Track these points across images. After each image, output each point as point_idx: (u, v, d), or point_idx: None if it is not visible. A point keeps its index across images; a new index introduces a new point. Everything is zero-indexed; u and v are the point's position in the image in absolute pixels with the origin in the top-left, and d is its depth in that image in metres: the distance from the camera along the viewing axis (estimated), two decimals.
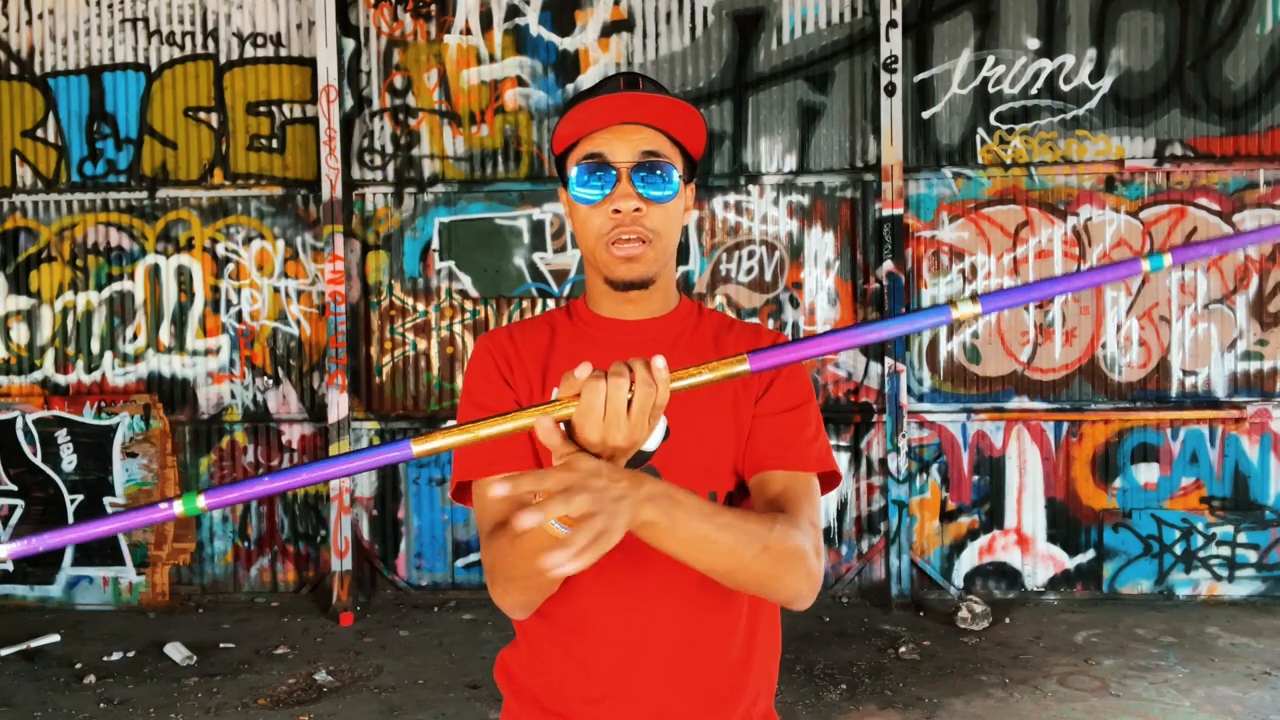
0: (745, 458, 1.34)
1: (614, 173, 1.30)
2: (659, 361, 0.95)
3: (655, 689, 1.30)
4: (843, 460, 5.91)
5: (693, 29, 5.90)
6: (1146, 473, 5.74)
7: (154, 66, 6.09)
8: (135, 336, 6.12)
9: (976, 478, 5.85)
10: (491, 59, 5.98)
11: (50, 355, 6.15)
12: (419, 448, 0.90)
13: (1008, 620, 5.37)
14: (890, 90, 5.64)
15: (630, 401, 0.93)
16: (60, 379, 6.14)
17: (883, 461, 5.81)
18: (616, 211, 1.30)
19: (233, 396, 6.09)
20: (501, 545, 1.17)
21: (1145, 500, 5.74)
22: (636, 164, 1.30)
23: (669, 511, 1.02)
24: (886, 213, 5.68)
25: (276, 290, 6.08)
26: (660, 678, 1.30)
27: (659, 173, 1.31)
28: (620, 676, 1.30)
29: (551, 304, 5.99)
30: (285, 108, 6.05)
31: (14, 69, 6.11)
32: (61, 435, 6.09)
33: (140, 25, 6.08)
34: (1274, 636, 5.04)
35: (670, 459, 1.28)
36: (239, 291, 6.10)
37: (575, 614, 1.31)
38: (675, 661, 1.30)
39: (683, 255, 5.95)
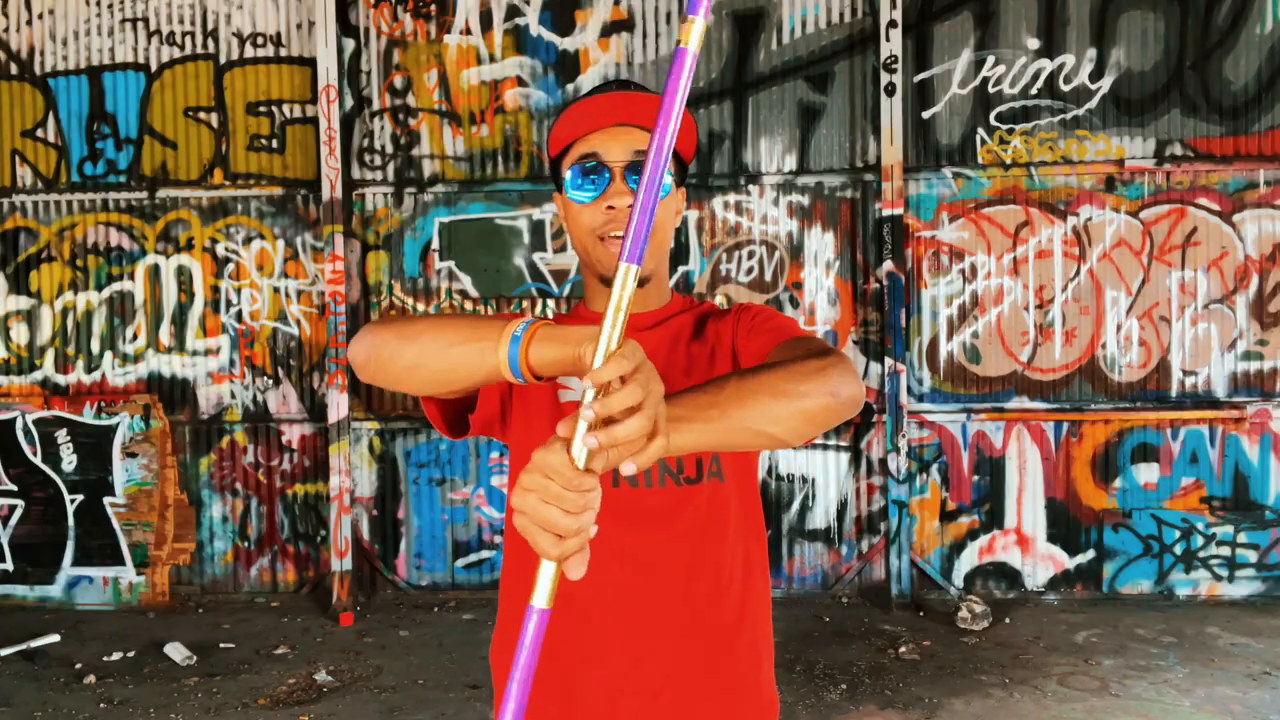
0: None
1: (607, 172, 1.33)
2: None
3: (648, 656, 1.31)
4: (843, 460, 5.91)
5: None
6: (1146, 473, 5.74)
7: (154, 66, 6.09)
8: (135, 336, 6.12)
9: (976, 478, 5.85)
10: (491, 59, 5.98)
11: (50, 355, 6.15)
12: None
13: (1008, 620, 5.37)
14: (890, 90, 5.64)
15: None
16: (60, 379, 6.14)
17: (883, 461, 5.81)
18: (610, 208, 1.33)
19: (233, 396, 6.09)
20: (441, 328, 1.12)
21: (1145, 500, 5.74)
22: (629, 163, 1.33)
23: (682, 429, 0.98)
24: (886, 213, 5.68)
25: (276, 290, 6.08)
26: (653, 644, 1.31)
27: None
28: (611, 644, 1.32)
29: (551, 304, 5.99)
30: (285, 108, 6.05)
31: (14, 69, 6.11)
32: (61, 435, 6.09)
33: (140, 25, 6.08)
34: (1274, 636, 5.04)
35: None
36: (239, 291, 6.10)
37: (563, 590, 1.32)
38: (669, 633, 1.32)
39: (683, 255, 5.95)
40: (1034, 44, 5.75)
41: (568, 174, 1.36)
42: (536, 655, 0.90)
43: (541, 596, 0.91)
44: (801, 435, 1.11)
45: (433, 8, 5.98)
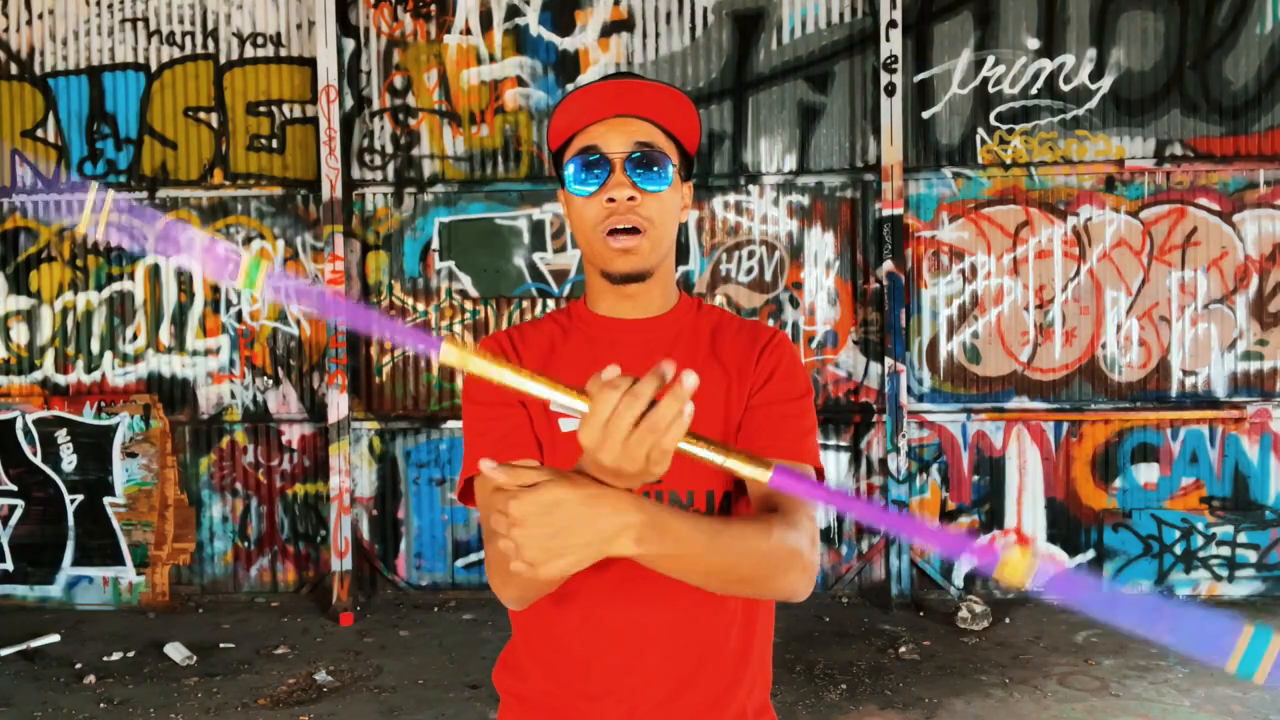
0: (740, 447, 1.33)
1: (608, 164, 1.29)
2: (688, 409, 0.88)
3: (654, 684, 1.30)
4: (842, 460, 5.91)
5: (693, 29, 5.90)
6: (1146, 473, 5.74)
7: (154, 66, 6.09)
8: (135, 336, 6.12)
9: (976, 478, 5.85)
10: (491, 59, 5.99)
11: (50, 355, 6.15)
12: (448, 351, 0.89)
13: (1008, 620, 5.37)
14: (890, 90, 5.64)
15: (637, 425, 0.88)
16: (60, 379, 6.14)
17: (883, 461, 5.81)
18: (611, 200, 1.28)
19: (233, 396, 6.09)
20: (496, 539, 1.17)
21: (1145, 500, 5.74)
22: (630, 154, 1.29)
23: (656, 541, 0.99)
24: (886, 213, 5.68)
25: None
26: (659, 672, 1.30)
27: (653, 165, 1.29)
28: (619, 673, 1.30)
29: (551, 304, 5.99)
30: (285, 108, 6.05)
31: (14, 69, 6.11)
32: (61, 435, 6.09)
33: (140, 25, 6.08)
34: None
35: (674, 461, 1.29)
36: (239, 291, 6.10)
37: (574, 614, 1.31)
38: (674, 657, 1.31)
39: (683, 255, 5.95)
40: (1034, 44, 5.75)
41: (569, 168, 1.32)
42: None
43: None
44: (729, 594, 1.23)
45: (433, 8, 5.98)
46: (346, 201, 5.94)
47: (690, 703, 1.31)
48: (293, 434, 6.08)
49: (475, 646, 5.13)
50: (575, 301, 1.47)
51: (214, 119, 6.09)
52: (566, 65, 5.95)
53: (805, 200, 5.91)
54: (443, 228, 6.03)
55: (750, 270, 5.94)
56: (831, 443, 5.89)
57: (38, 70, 6.10)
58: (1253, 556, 5.71)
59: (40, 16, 6.08)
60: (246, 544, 6.11)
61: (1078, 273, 5.78)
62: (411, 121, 6.04)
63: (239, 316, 6.09)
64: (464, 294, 6.04)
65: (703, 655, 1.32)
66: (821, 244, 5.91)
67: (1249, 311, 5.71)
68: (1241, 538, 5.70)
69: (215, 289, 6.11)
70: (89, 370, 6.14)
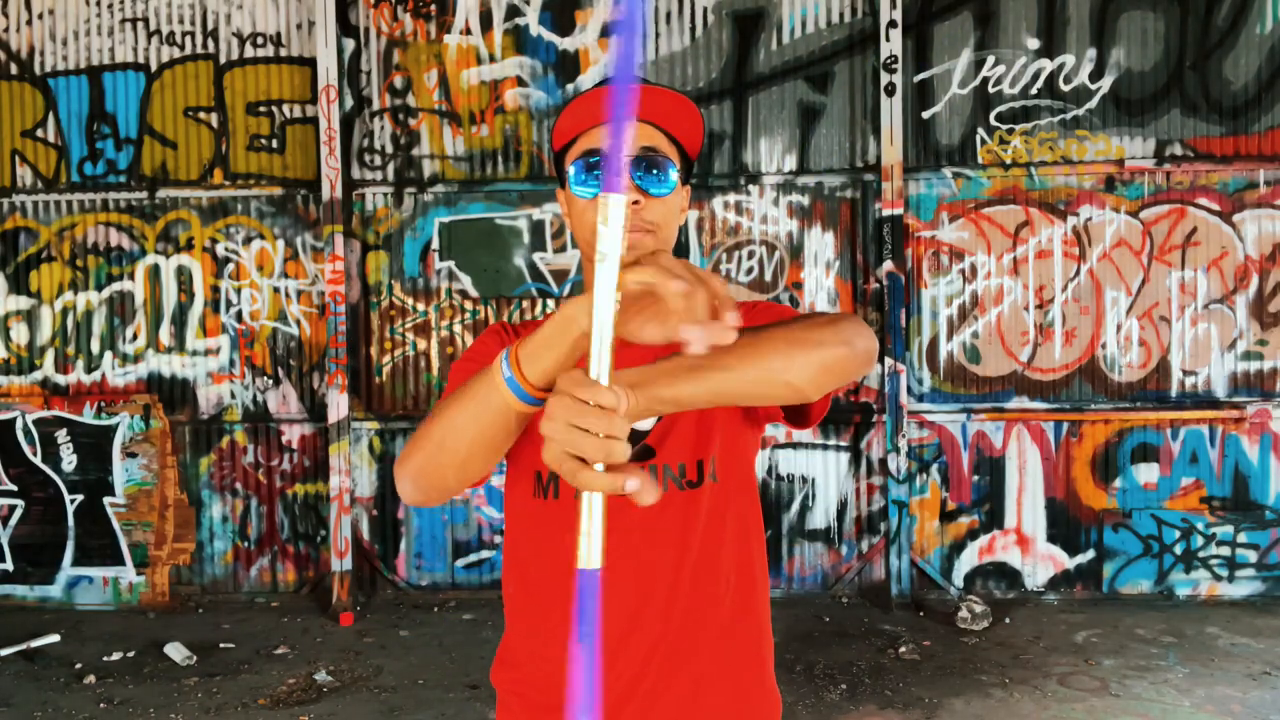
0: None
1: None
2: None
3: (645, 664, 1.31)
4: (843, 460, 5.91)
5: (693, 29, 5.90)
6: (1146, 473, 5.74)
7: (154, 66, 6.09)
8: (135, 336, 6.12)
9: (976, 478, 5.85)
10: (491, 59, 5.99)
11: (50, 355, 6.15)
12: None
13: (1008, 620, 5.37)
14: (890, 90, 5.64)
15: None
16: (60, 379, 6.14)
17: (883, 461, 5.81)
18: None
19: (233, 396, 6.09)
20: (446, 406, 1.11)
21: (1145, 500, 5.74)
22: (635, 158, 1.30)
23: (660, 393, 0.95)
24: (886, 213, 5.68)
25: (276, 290, 6.08)
26: (650, 652, 1.31)
27: (656, 169, 1.31)
28: (614, 655, 1.31)
29: (551, 304, 5.99)
30: (285, 108, 6.05)
31: (14, 69, 6.11)
32: (61, 435, 6.09)
33: (140, 25, 6.08)
34: (1274, 636, 5.04)
35: (665, 436, 1.32)
36: (239, 291, 6.10)
37: (570, 602, 1.32)
38: (666, 638, 1.31)
39: (682, 255, 5.93)
40: (1034, 44, 5.75)
41: (571, 168, 1.34)
42: (598, 621, 0.84)
43: (589, 555, 0.82)
44: (820, 385, 1.09)
45: (433, 8, 5.98)
46: (346, 201, 5.94)
47: (686, 682, 1.32)
48: (293, 434, 6.08)
49: (475, 646, 5.13)
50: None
51: (214, 119, 6.09)
52: (566, 65, 5.95)
53: (805, 200, 5.91)
54: (443, 228, 6.03)
55: (750, 270, 5.94)
56: (831, 443, 5.89)
57: (38, 70, 6.10)
58: (1253, 556, 5.71)
59: (40, 16, 6.08)
60: (246, 544, 6.11)
61: (1078, 273, 5.78)
62: (411, 121, 6.04)
63: (239, 316, 6.09)
64: (464, 294, 6.04)
65: (700, 632, 1.32)
66: (821, 244, 5.91)
67: (1249, 311, 5.71)
68: (1241, 538, 5.70)
69: (215, 289, 6.11)
70: (89, 370, 6.14)
